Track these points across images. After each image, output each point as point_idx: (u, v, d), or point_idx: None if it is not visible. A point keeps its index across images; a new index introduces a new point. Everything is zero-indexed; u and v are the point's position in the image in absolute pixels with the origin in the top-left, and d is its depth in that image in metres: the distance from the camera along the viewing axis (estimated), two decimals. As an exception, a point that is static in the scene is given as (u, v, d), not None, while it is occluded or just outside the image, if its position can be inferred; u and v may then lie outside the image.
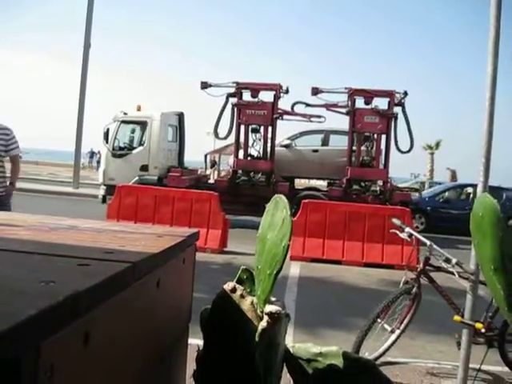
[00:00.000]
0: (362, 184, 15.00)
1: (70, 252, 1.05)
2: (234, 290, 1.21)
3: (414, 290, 4.58)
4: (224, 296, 1.21)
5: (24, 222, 1.57)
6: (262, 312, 1.13)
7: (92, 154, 46.12)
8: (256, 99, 14.95)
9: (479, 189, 4.01)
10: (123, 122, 15.45)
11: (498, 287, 1.22)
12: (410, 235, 4.68)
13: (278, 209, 1.25)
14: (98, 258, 1.00)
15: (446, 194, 18.37)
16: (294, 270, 8.98)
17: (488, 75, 4.05)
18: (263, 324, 1.09)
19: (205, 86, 15.33)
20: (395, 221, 4.88)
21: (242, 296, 1.18)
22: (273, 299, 1.20)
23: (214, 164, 30.96)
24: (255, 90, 14.99)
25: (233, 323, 1.17)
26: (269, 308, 1.11)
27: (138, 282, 0.98)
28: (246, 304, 1.18)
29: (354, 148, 15.05)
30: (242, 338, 1.14)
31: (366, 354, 4.60)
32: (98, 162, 22.04)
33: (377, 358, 4.68)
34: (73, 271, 0.92)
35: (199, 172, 18.92)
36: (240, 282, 1.27)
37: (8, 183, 6.35)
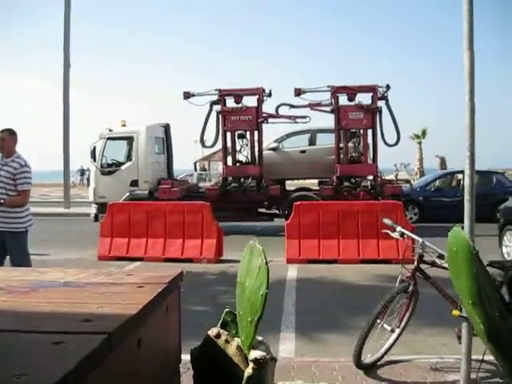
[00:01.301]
0: (353, 180, 15.03)
1: (45, 325, 1.04)
2: (218, 335, 1.21)
3: (411, 287, 4.59)
4: (209, 342, 1.20)
5: (5, 281, 1.55)
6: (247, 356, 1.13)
7: (82, 171, 45.84)
8: (240, 105, 14.95)
9: (466, 182, 4.04)
10: (109, 138, 15.40)
11: (478, 321, 1.23)
12: (402, 234, 4.70)
13: (253, 255, 1.25)
14: (74, 332, 0.99)
15: (437, 182, 18.41)
16: (292, 272, 8.98)
17: (465, 69, 4.07)
18: (249, 371, 1.09)
19: (187, 95, 15.34)
20: (386, 221, 4.89)
21: (226, 341, 1.18)
22: (259, 338, 1.20)
23: (203, 171, 31.00)
24: (238, 95, 14.98)
25: (220, 369, 1.17)
26: (254, 354, 1.10)
27: (117, 349, 0.98)
28: (231, 349, 1.18)
29: (342, 145, 15.07)
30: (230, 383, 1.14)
31: (369, 355, 4.61)
32: (88, 180, 21.96)
33: (379, 358, 4.69)
34: (46, 355, 0.90)
35: (189, 181, 18.91)
36: (224, 324, 1.26)
37: (16, 220, 6.23)
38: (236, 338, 1.22)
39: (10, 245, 6.18)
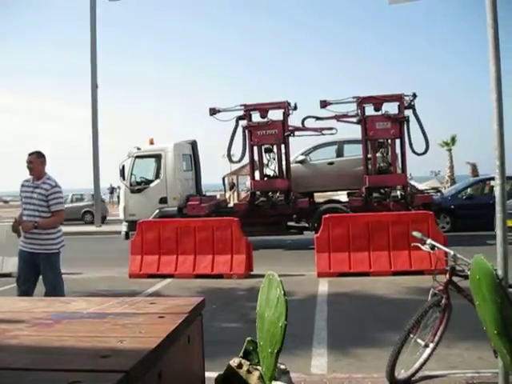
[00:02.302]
0: (382, 191, 14.89)
1: (63, 362, 1.04)
2: (240, 365, 1.19)
3: (443, 301, 4.49)
4: (231, 372, 1.18)
5: (29, 312, 1.56)
6: (269, 387, 1.11)
7: (112, 189, 46.33)
8: (265, 119, 14.98)
9: (497, 192, 3.95)
10: (138, 157, 15.59)
11: (504, 351, 1.19)
12: (433, 247, 4.61)
13: (271, 287, 1.24)
14: (91, 370, 0.99)
15: (469, 190, 18.08)
16: (323, 287, 8.90)
17: (492, 77, 4.00)
18: (271, 403, 1.07)
19: (213, 112, 15.43)
20: (416, 234, 4.80)
21: (248, 371, 1.17)
22: (283, 367, 1.18)
23: (232, 186, 31.04)
24: (263, 110, 15.02)
25: (242, 400, 1.16)
26: (275, 385, 1.09)
27: None
28: (253, 379, 1.16)
29: (370, 156, 14.95)
30: (252, 415, 1.12)
31: (402, 370, 4.52)
32: (119, 198, 22.22)
33: (414, 374, 4.59)
34: None
35: (218, 197, 18.98)
36: (246, 353, 1.25)
37: (49, 241, 6.32)
38: (258, 368, 1.20)
39: (43, 266, 6.26)
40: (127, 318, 1.50)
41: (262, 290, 1.33)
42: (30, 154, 6.32)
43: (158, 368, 1.13)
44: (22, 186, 6.41)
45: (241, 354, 1.23)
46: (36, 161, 6.30)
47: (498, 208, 3.89)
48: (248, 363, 1.18)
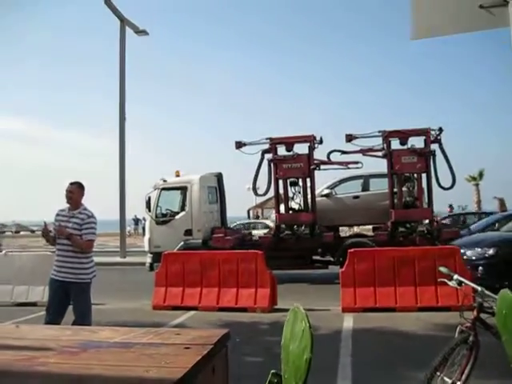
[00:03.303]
0: (408, 225, 14.77)
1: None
2: (264, 398, 1.19)
3: (471, 338, 4.41)
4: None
5: (56, 340, 1.59)
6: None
7: (137, 220, 46.79)
8: (291, 152, 15.05)
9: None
10: (163, 189, 15.77)
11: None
12: (460, 283, 4.55)
13: (297, 319, 1.24)
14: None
15: (497, 225, 17.83)
16: (347, 322, 8.79)
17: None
18: None
19: (239, 145, 15.58)
20: (442, 269, 4.75)
21: (272, 404, 1.16)
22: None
23: (257, 218, 31.11)
24: (289, 143, 15.12)
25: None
26: (299, 419, 1.08)
27: None
28: (277, 413, 1.15)
29: (395, 190, 14.89)
30: None
31: (430, 409, 4.42)
32: (144, 229, 22.40)
33: (442, 413, 4.48)
34: None
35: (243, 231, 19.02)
36: (271, 385, 1.25)
37: (81, 271, 6.43)
38: (282, 403, 1.20)
39: (74, 295, 6.34)
40: (153, 348, 1.51)
41: (288, 322, 1.34)
42: (71, 184, 6.49)
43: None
44: (57, 215, 6.56)
45: (266, 384, 1.23)
46: (77, 191, 6.47)
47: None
48: (272, 397, 1.18)
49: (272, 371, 1.30)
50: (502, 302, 1.27)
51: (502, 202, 33.83)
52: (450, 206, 33.85)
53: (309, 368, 1.14)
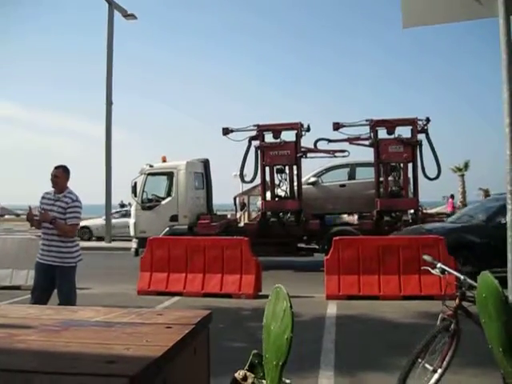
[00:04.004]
0: (393, 215, 14.85)
1: (69, 366, 1.05)
2: (245, 378, 1.19)
3: (452, 326, 4.44)
4: (236, 385, 1.19)
5: (37, 319, 1.58)
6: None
7: (122, 205, 46.55)
8: (278, 140, 15.04)
9: (508, 217, 3.92)
10: (150, 174, 15.70)
11: (509, 370, 1.18)
12: (443, 271, 4.58)
13: (279, 299, 1.24)
14: (97, 374, 1.00)
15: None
16: (331, 309, 8.84)
17: (504, 101, 3.98)
18: (274, 416, 1.07)
19: (226, 131, 15.54)
20: (426, 257, 4.78)
21: (253, 384, 1.17)
22: (287, 381, 1.18)
23: (243, 206, 31.05)
24: (276, 130, 15.11)
25: (246, 413, 1.15)
26: (279, 399, 1.09)
27: None
28: (257, 392, 1.16)
29: (382, 179, 14.95)
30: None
31: (410, 396, 4.46)
32: (129, 215, 22.32)
33: (421, 399, 4.53)
34: None
35: (229, 216, 19.00)
36: (252, 365, 1.25)
37: (66, 254, 6.42)
38: (263, 381, 1.20)
39: (59, 279, 6.33)
40: (134, 327, 1.51)
41: (269, 302, 1.34)
42: (56, 168, 6.45)
43: (162, 376, 1.15)
44: (43, 198, 6.53)
45: (246, 366, 1.23)
46: (62, 175, 6.44)
47: (509, 233, 3.86)
48: (253, 376, 1.18)
49: (253, 351, 1.30)
50: (482, 284, 1.29)
51: (486, 194, 34.11)
52: (452, 197, 32.21)
53: (290, 347, 1.14)
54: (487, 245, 10.64)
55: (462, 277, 4.43)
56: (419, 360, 4.43)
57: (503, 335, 1.11)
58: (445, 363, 4.53)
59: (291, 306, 1.19)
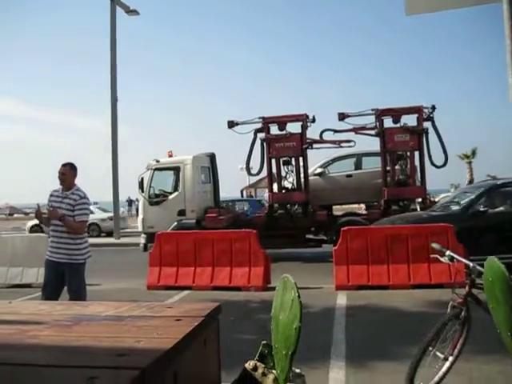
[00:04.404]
0: (401, 204, 14.81)
1: (82, 359, 1.06)
2: (255, 368, 1.20)
3: (463, 313, 4.44)
4: (246, 375, 1.19)
5: (48, 315, 1.60)
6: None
7: (130, 201, 46.76)
8: (284, 132, 15.03)
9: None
10: (156, 169, 15.72)
11: (518, 353, 1.17)
12: (452, 258, 4.57)
13: (286, 289, 1.24)
14: (109, 366, 1.02)
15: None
16: (341, 300, 8.84)
17: (510, 86, 3.97)
18: (285, 404, 1.08)
19: (232, 124, 15.53)
20: (435, 245, 4.77)
21: (263, 374, 1.17)
22: (297, 371, 1.18)
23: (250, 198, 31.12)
24: (282, 122, 15.08)
25: (257, 403, 1.16)
26: (289, 388, 1.09)
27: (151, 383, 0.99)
28: (268, 382, 1.16)
29: (388, 168, 14.92)
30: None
31: (421, 383, 4.47)
32: (137, 210, 22.39)
33: (433, 387, 4.53)
34: None
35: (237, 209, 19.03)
36: (262, 356, 1.25)
37: (75, 251, 6.46)
38: (273, 371, 1.21)
39: (68, 276, 6.37)
40: (144, 320, 1.53)
41: (277, 292, 1.34)
42: (63, 165, 6.48)
43: (173, 368, 1.16)
44: (51, 195, 6.57)
45: (256, 357, 1.24)
46: (69, 172, 6.47)
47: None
48: (263, 366, 1.19)
49: (263, 342, 1.31)
50: (488, 269, 1.29)
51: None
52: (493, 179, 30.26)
53: (299, 337, 1.15)
54: (466, 232, 10.60)
55: (471, 264, 4.41)
56: (430, 348, 4.43)
57: (511, 319, 1.11)
58: (456, 351, 4.53)
59: (299, 296, 1.19)
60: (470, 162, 41.40)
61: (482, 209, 11.10)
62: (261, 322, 7.25)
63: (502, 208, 11.59)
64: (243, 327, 7.09)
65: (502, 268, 1.25)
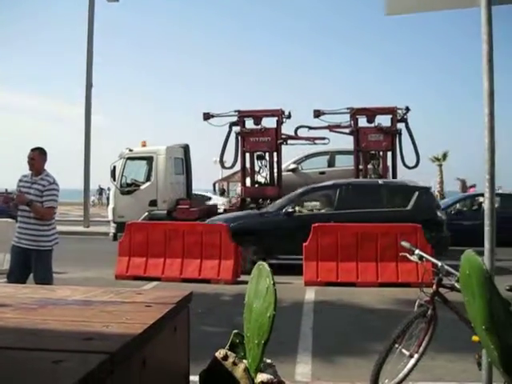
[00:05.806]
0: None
1: (48, 342, 1.04)
2: (225, 357, 1.18)
3: (429, 312, 4.49)
4: (217, 364, 1.18)
5: (14, 298, 1.57)
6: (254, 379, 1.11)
7: (101, 190, 46.29)
8: (259, 126, 15.03)
9: (486, 205, 3.96)
10: (129, 158, 15.55)
11: (491, 347, 1.19)
12: (421, 257, 4.62)
13: (261, 276, 1.23)
14: (75, 350, 0.99)
15: (457, 205, 18.17)
16: (309, 295, 8.90)
17: (485, 91, 4.01)
18: (256, 395, 1.07)
19: (207, 116, 15.48)
20: (404, 244, 4.82)
21: (234, 363, 1.16)
22: (268, 361, 1.17)
23: (223, 192, 31.07)
24: (257, 116, 15.08)
25: (226, 392, 1.15)
26: (260, 377, 1.08)
27: (119, 369, 0.97)
28: (238, 371, 1.15)
29: (361, 167, 15.03)
30: (237, 407, 1.12)
31: (386, 380, 4.51)
32: (108, 199, 22.18)
33: (398, 384, 4.58)
34: (46, 373, 0.90)
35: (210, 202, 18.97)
36: (233, 345, 1.24)
37: (43, 238, 6.33)
38: (244, 361, 1.20)
39: (35, 262, 6.26)
40: (113, 305, 1.51)
41: (252, 280, 1.33)
42: (32, 150, 6.35)
43: (142, 354, 1.14)
44: (20, 180, 6.45)
45: (227, 346, 1.23)
46: (38, 157, 6.35)
47: (486, 221, 3.90)
48: (234, 355, 1.18)
49: (234, 331, 1.30)
50: (465, 262, 1.29)
51: (463, 184, 34.41)
52: (473, 186, 27.32)
53: (272, 325, 1.14)
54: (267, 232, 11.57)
55: (439, 263, 4.47)
56: (396, 345, 4.47)
57: (486, 313, 1.12)
58: (421, 349, 4.58)
59: (274, 284, 1.18)
60: (440, 165, 41.91)
61: (290, 210, 11.83)
62: (229, 315, 7.25)
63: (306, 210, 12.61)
64: (211, 320, 7.08)
65: (480, 261, 1.26)
